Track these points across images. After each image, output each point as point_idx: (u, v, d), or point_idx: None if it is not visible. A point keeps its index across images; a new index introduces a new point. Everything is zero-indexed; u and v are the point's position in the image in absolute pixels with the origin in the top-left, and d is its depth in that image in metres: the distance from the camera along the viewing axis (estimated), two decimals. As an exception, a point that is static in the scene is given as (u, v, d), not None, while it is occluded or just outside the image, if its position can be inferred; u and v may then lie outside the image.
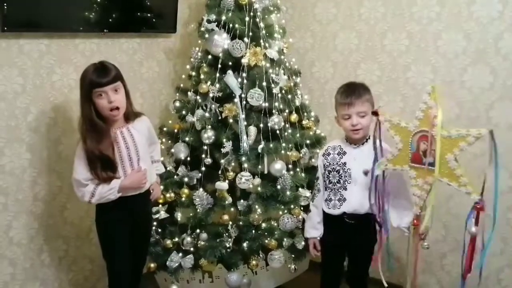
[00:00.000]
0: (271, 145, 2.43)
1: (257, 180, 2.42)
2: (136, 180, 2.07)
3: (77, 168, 1.98)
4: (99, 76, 1.94)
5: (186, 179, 2.50)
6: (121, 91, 2.01)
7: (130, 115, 2.11)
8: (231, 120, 2.44)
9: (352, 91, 2.10)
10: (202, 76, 2.49)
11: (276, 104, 2.45)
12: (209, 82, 2.45)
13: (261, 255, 2.47)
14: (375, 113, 2.02)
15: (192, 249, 2.46)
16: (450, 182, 1.78)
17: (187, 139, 2.52)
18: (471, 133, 1.73)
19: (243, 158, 2.39)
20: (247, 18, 2.44)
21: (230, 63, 2.46)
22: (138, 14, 2.68)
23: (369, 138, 2.17)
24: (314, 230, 2.26)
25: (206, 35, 2.47)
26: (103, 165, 1.98)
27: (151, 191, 2.27)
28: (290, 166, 2.47)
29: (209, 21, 2.46)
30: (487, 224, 1.81)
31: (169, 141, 2.61)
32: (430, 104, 1.81)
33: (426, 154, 1.83)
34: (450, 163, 1.76)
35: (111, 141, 2.01)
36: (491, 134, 1.71)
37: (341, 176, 2.13)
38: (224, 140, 2.41)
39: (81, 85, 1.98)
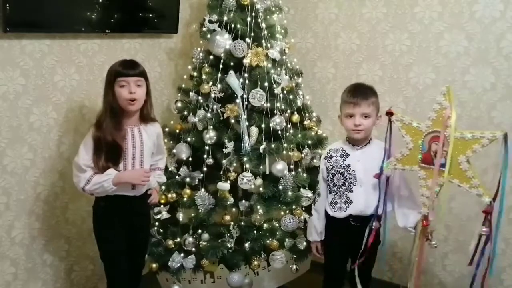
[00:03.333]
0: (272, 146, 2.43)
1: (259, 181, 2.42)
2: (136, 175, 2.08)
3: (80, 153, 2.01)
4: (125, 67, 2.04)
5: (188, 180, 2.50)
6: (143, 88, 2.07)
7: (147, 116, 2.15)
8: (232, 121, 2.44)
9: (360, 92, 2.10)
10: (203, 77, 2.49)
11: (278, 104, 2.45)
12: (210, 83, 2.45)
13: (262, 256, 2.47)
14: (389, 113, 2.01)
15: (193, 249, 2.46)
16: (461, 184, 1.78)
17: (189, 139, 2.52)
18: (485, 135, 1.73)
19: (245, 159, 2.39)
20: (248, 19, 2.44)
21: (232, 64, 2.46)
22: (140, 14, 2.68)
23: (371, 139, 2.17)
24: (316, 234, 2.27)
25: (208, 36, 2.47)
26: (108, 155, 2.00)
27: (149, 195, 2.27)
28: (291, 166, 2.47)
29: (210, 22, 2.46)
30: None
31: (171, 142, 2.61)
32: (444, 105, 1.81)
33: (437, 154, 1.83)
34: (462, 165, 1.76)
35: (124, 133, 2.05)
36: (505, 136, 1.71)
37: (346, 179, 2.13)
38: (226, 140, 2.41)
39: (107, 74, 2.06)
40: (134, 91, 2.01)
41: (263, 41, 2.48)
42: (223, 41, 2.43)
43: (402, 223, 2.09)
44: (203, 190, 2.45)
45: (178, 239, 2.50)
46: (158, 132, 2.24)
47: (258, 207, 2.43)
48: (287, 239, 2.47)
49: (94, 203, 2.15)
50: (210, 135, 2.42)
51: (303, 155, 2.52)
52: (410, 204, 2.07)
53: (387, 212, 2.12)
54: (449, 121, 1.76)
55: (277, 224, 2.50)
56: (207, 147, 2.44)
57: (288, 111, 2.54)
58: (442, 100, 1.82)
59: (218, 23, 2.46)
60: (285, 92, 2.52)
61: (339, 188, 2.15)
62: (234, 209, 2.51)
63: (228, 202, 2.45)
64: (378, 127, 2.17)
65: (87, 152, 2.00)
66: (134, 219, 2.16)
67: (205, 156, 2.44)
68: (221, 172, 2.43)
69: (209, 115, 2.44)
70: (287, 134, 2.49)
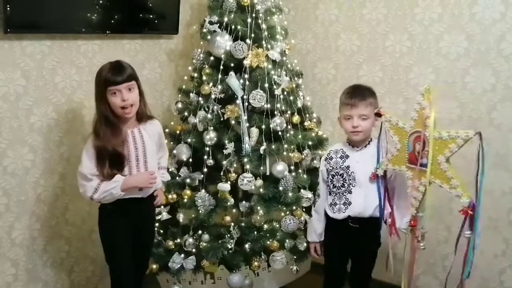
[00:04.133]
0: (273, 146, 2.43)
1: (259, 182, 2.42)
2: (143, 179, 2.06)
3: (84, 162, 1.98)
4: (114, 74, 1.96)
5: (188, 180, 2.50)
6: (135, 91, 2.02)
7: (143, 116, 2.12)
8: (233, 122, 2.44)
9: (357, 93, 2.10)
10: (204, 78, 2.49)
11: (278, 105, 2.45)
12: (211, 84, 2.45)
13: (263, 257, 2.47)
14: (378, 114, 2.02)
15: (194, 250, 2.46)
16: (442, 184, 1.77)
17: (189, 140, 2.52)
18: (459, 135, 1.72)
19: (245, 160, 2.39)
20: (249, 20, 2.44)
21: (232, 65, 2.46)
22: (140, 15, 2.69)
23: (371, 140, 2.17)
24: (315, 235, 2.27)
25: (208, 37, 2.47)
26: (111, 163, 1.98)
27: (155, 196, 2.26)
28: (292, 167, 2.47)
29: (211, 23, 2.47)
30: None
31: (171, 143, 2.61)
32: (423, 105, 1.81)
33: (420, 154, 1.83)
34: (441, 165, 1.75)
35: (124, 138, 2.02)
36: (479, 136, 1.70)
37: (345, 180, 2.13)
38: (226, 141, 2.41)
39: (96, 83, 2.01)
40: (127, 98, 1.97)
41: (264, 42, 2.48)
42: (224, 42, 2.44)
43: (398, 224, 2.09)
44: (203, 191, 2.45)
45: (179, 240, 2.50)
46: (159, 132, 2.22)
47: (259, 208, 2.44)
48: (287, 240, 2.47)
49: (100, 205, 2.12)
50: (211, 136, 2.42)
51: (303, 156, 2.52)
52: (407, 204, 2.07)
53: (386, 214, 2.12)
54: (428, 121, 1.76)
55: (277, 225, 2.50)
56: (207, 148, 2.44)
57: (289, 112, 2.54)
58: (421, 100, 1.81)
59: (218, 24, 2.46)
60: (285, 93, 2.52)
61: (338, 190, 2.15)
62: (234, 210, 2.51)
63: (229, 203, 2.45)
64: (378, 128, 2.17)
65: (90, 160, 1.97)
66: (140, 221, 2.14)
67: (205, 157, 2.44)
68: (222, 173, 2.43)
69: (209, 116, 2.45)
70: (288, 135, 2.49)
